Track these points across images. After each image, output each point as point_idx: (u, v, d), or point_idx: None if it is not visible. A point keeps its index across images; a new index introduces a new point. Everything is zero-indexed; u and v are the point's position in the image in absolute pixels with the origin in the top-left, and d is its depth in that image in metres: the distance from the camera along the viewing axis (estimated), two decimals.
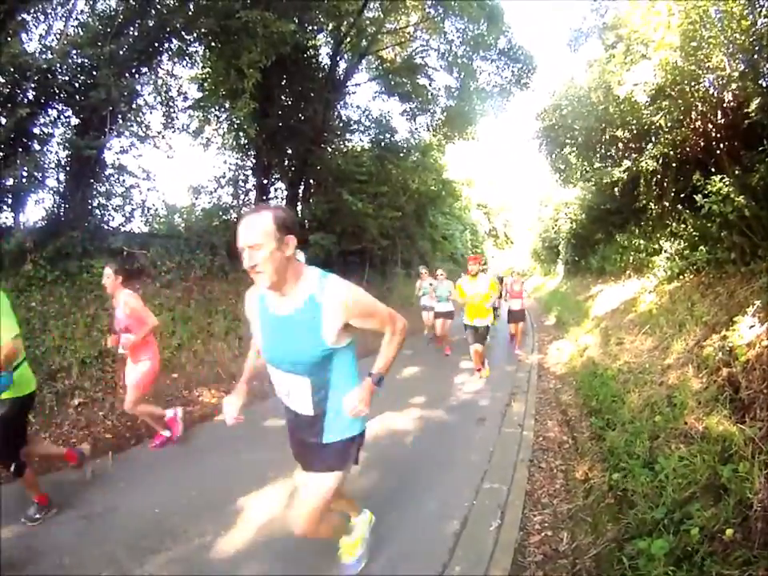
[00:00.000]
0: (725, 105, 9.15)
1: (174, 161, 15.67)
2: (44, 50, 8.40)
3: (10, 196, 7.67)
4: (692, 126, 9.94)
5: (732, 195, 7.28)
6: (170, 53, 10.64)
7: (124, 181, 9.55)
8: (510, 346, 12.99)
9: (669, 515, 3.41)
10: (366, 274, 17.20)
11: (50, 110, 8.28)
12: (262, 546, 3.64)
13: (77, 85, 8.32)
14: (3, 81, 7.40)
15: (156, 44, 9.83)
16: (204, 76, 13.16)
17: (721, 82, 8.76)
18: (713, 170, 8.87)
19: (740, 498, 3.24)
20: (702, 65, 8.51)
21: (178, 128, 12.05)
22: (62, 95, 8.24)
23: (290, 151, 15.02)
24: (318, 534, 2.88)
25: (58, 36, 8.76)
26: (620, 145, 14.16)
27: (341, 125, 18.06)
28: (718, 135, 9.57)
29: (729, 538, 2.98)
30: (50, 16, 8.85)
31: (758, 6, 7.82)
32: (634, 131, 12.41)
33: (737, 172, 8.40)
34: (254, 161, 14.62)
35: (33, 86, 7.67)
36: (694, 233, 9.43)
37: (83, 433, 5.95)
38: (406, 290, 20.00)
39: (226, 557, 3.51)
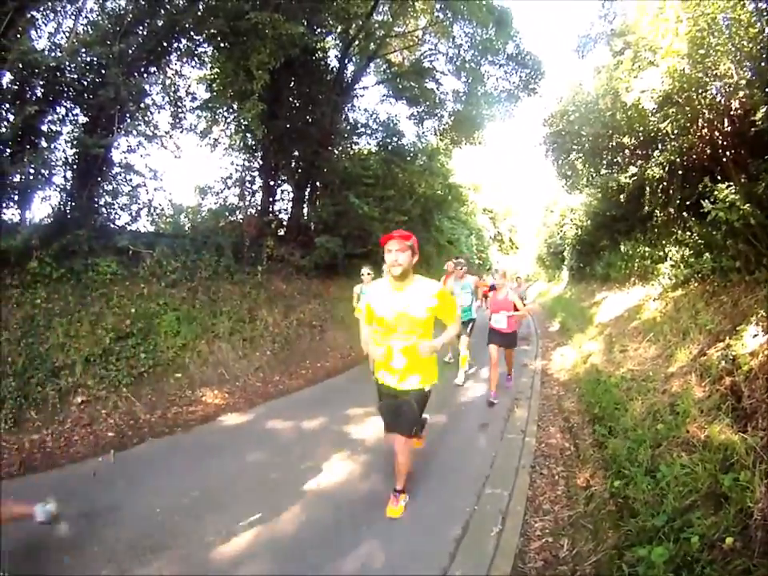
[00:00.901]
0: (732, 113, 9.12)
1: (182, 161, 15.68)
2: (53, 47, 8.42)
3: (17, 193, 7.67)
4: (698, 134, 9.93)
5: (738, 203, 7.27)
6: (178, 53, 10.64)
7: (131, 180, 9.55)
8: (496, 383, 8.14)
9: (669, 523, 3.41)
10: None
11: (58, 107, 8.29)
12: (263, 547, 3.65)
13: (85, 83, 8.32)
14: (12, 78, 7.41)
15: (165, 44, 9.85)
16: (212, 77, 13.16)
17: (728, 90, 8.74)
18: (719, 177, 8.85)
19: (740, 506, 3.25)
20: (710, 72, 8.50)
21: (185, 128, 12.02)
22: (70, 93, 8.25)
23: (297, 153, 15.01)
24: None
25: (68, 34, 8.77)
26: (626, 151, 14.17)
27: (348, 128, 18.04)
28: (725, 143, 9.54)
29: (729, 546, 2.98)
30: (59, 14, 8.86)
31: (765, 13, 7.81)
32: (641, 138, 12.43)
33: (743, 180, 8.39)
34: (260, 162, 14.62)
35: (41, 83, 7.67)
36: (700, 240, 9.42)
37: (85, 431, 5.97)
38: None
39: (227, 557, 3.53)
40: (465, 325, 8.96)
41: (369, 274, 9.03)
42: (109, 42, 8.42)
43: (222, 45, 11.29)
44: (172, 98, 11.14)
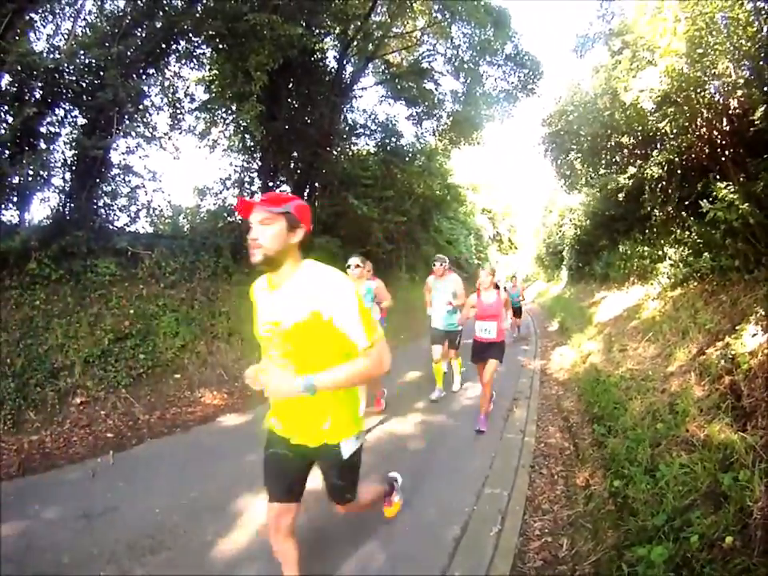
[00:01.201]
0: (730, 112, 9.13)
1: (180, 162, 15.64)
2: (52, 49, 8.45)
3: (16, 194, 7.68)
4: (697, 133, 9.94)
5: (737, 202, 7.27)
6: (177, 54, 10.65)
7: (130, 181, 9.54)
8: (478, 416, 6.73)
9: (669, 522, 3.40)
10: None
11: (57, 109, 8.29)
12: (261, 548, 3.65)
13: (84, 85, 8.33)
14: (11, 80, 7.43)
15: (163, 45, 9.85)
16: (211, 78, 13.16)
17: (726, 89, 8.75)
18: (718, 177, 8.86)
19: (740, 505, 3.24)
20: (708, 72, 8.51)
21: (184, 129, 12.05)
22: (69, 95, 8.25)
23: (296, 154, 15.02)
24: None
25: (66, 36, 8.80)
26: (625, 151, 14.18)
27: (347, 128, 18.06)
28: (723, 142, 9.55)
29: (728, 545, 2.98)
30: (58, 16, 8.89)
31: (763, 12, 7.82)
32: (640, 138, 12.44)
33: (742, 179, 8.39)
34: (259, 163, 14.61)
35: (40, 85, 7.69)
36: (698, 240, 9.43)
37: (84, 431, 5.97)
38: (410, 294, 20.08)
39: (226, 557, 3.52)
40: (452, 336, 8.03)
41: (358, 266, 6.28)
42: (107, 44, 8.43)
43: (220, 46, 11.29)
44: (171, 100, 11.16)
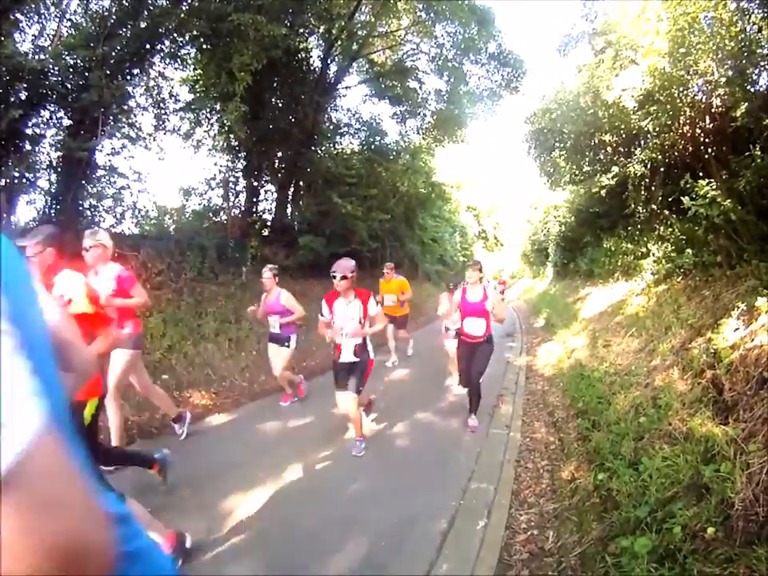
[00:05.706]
0: (712, 110, 9.21)
1: (165, 162, 15.62)
2: (37, 50, 8.43)
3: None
4: (680, 131, 10.01)
5: (719, 199, 7.34)
6: (161, 55, 10.66)
7: (115, 182, 9.55)
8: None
9: (652, 514, 3.47)
10: None
11: (42, 111, 8.29)
12: (249, 546, 3.68)
13: (69, 86, 8.33)
14: None
15: (148, 46, 9.84)
16: (195, 78, 13.18)
17: (709, 88, 8.83)
18: (700, 174, 8.93)
19: (722, 497, 3.30)
20: (691, 70, 8.59)
21: (169, 130, 12.08)
22: (54, 96, 8.24)
23: (280, 153, 15.07)
24: None
25: (51, 37, 8.78)
26: (608, 149, 14.26)
27: (331, 127, 18.14)
28: (706, 140, 9.63)
29: (710, 536, 3.04)
30: (43, 16, 8.87)
31: (746, 12, 7.91)
32: (623, 136, 12.51)
33: (724, 176, 8.47)
34: (244, 163, 14.65)
35: (25, 86, 7.68)
36: (681, 236, 9.48)
37: None
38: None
39: (217, 557, 3.55)
40: None
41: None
42: (92, 45, 8.43)
43: (204, 46, 11.32)
44: (155, 100, 11.17)
